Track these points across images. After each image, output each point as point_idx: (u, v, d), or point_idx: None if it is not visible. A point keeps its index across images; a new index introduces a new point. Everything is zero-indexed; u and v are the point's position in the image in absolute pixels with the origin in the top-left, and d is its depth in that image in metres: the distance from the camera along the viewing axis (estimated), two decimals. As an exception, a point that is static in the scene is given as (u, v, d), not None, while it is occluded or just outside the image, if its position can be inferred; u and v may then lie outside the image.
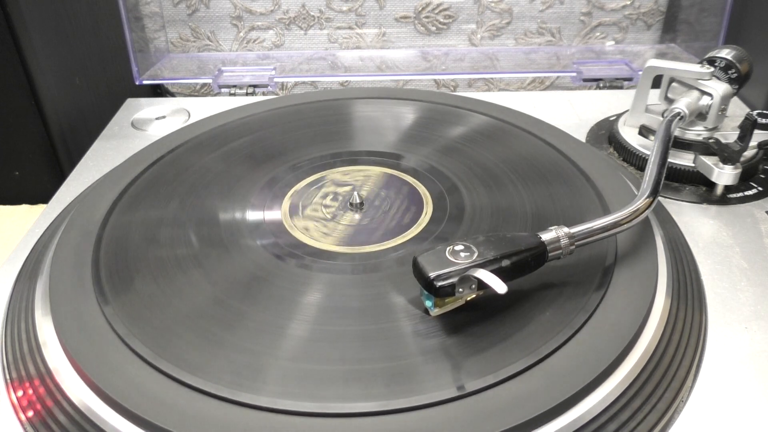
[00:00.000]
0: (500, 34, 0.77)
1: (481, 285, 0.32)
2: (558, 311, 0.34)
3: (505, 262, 0.33)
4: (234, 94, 0.68)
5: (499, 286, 0.31)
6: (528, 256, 0.34)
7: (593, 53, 0.76)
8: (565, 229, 0.35)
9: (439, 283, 0.32)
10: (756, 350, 0.35)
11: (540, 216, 0.42)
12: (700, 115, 0.50)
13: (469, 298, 0.34)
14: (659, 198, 0.47)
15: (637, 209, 0.37)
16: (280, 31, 0.77)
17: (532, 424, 0.29)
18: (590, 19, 0.76)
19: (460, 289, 0.32)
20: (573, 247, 0.35)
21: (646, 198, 0.38)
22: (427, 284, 0.32)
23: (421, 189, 0.46)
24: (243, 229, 0.42)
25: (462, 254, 0.33)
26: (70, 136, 0.64)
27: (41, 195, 0.61)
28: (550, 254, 0.34)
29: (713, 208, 0.47)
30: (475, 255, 0.33)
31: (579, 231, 0.35)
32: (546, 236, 0.35)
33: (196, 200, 0.45)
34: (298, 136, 0.53)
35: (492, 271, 0.32)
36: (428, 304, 0.34)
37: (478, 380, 0.30)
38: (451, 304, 0.34)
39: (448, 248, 0.33)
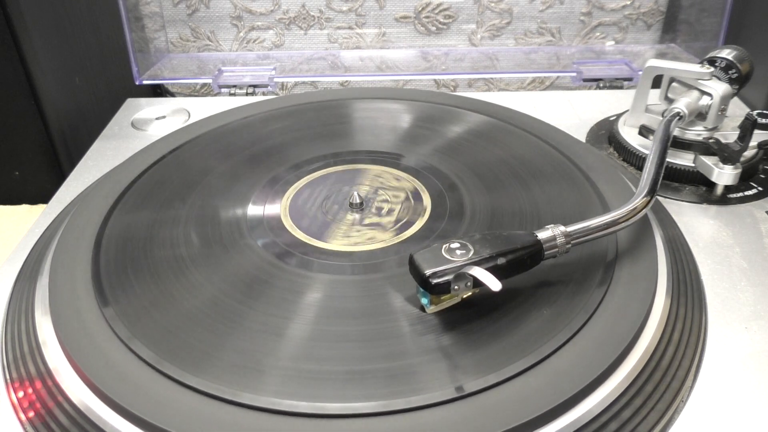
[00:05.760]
0: (500, 34, 0.77)
1: (477, 283, 0.32)
2: (558, 311, 0.34)
3: (501, 260, 0.33)
4: (234, 94, 0.68)
5: (494, 284, 0.31)
6: (524, 254, 0.34)
7: (593, 53, 0.76)
8: (562, 228, 0.35)
9: (435, 281, 0.32)
10: (756, 350, 0.35)
11: (540, 216, 0.42)
12: (700, 115, 0.50)
13: (465, 296, 0.34)
14: (659, 198, 0.47)
15: (635, 208, 0.37)
16: (280, 31, 0.77)
17: (532, 424, 0.29)
18: (590, 19, 0.76)
19: (456, 287, 0.32)
20: (569, 245, 0.35)
21: (644, 197, 0.38)
22: (423, 281, 0.32)
23: (421, 188, 0.46)
24: (243, 229, 0.42)
25: (458, 252, 0.33)
26: (70, 136, 0.64)
27: (41, 195, 0.61)
28: (546, 252, 0.34)
29: (713, 208, 0.47)
30: (471, 253, 0.33)
31: (576, 230, 0.35)
32: (542, 234, 0.35)
33: (196, 200, 0.45)
34: (298, 136, 0.53)
35: (488, 269, 0.32)
36: (424, 301, 0.34)
37: (478, 380, 0.30)
38: (448, 302, 0.34)
39: (444, 246, 0.33)
